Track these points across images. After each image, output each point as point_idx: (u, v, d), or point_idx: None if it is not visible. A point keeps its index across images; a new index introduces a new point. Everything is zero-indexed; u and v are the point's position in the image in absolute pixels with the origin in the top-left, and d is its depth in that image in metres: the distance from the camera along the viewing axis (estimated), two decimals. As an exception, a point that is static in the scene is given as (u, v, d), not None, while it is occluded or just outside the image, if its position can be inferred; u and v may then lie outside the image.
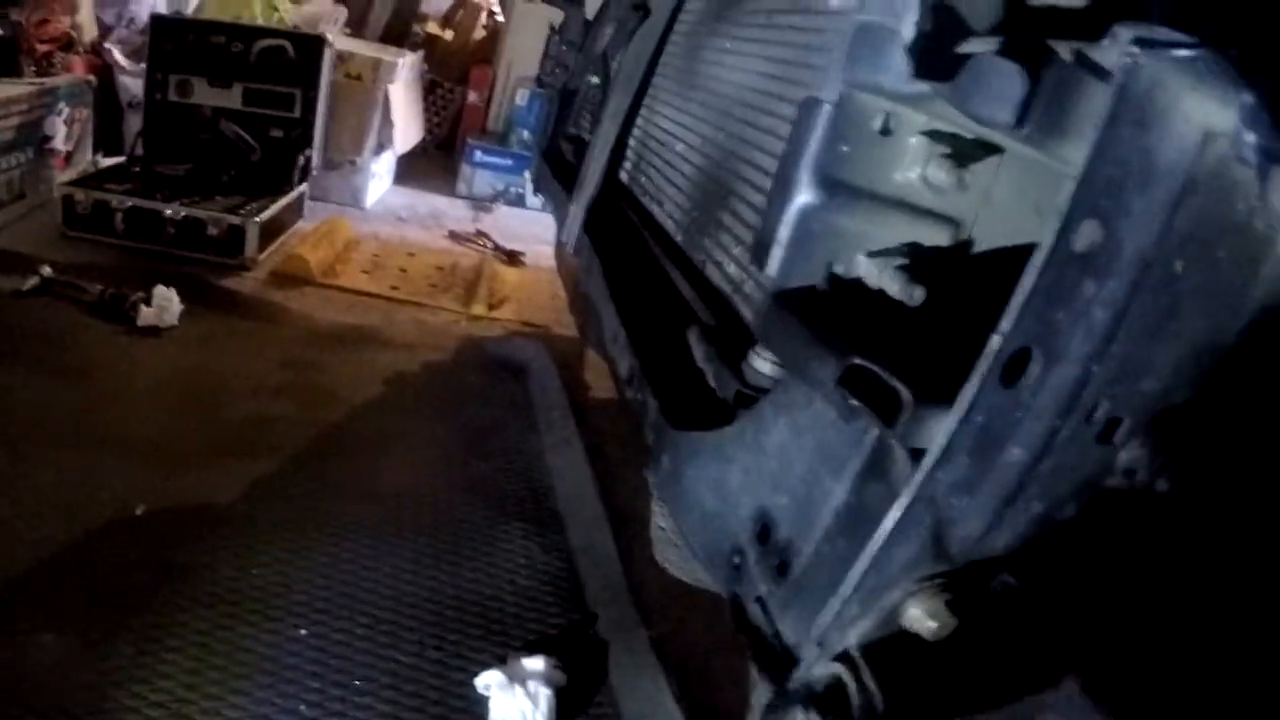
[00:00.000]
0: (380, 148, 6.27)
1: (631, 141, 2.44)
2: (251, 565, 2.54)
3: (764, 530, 1.16)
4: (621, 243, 2.26)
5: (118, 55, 5.90)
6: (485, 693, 2.19)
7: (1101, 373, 0.92)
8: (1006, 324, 0.87)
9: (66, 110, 5.21)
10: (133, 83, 5.77)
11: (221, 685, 2.16)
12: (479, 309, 4.77)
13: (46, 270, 3.99)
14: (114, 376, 3.44)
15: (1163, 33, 0.83)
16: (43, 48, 5.69)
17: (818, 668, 1.02)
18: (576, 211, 2.53)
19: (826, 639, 1.00)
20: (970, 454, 0.92)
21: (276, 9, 6.46)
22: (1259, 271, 0.91)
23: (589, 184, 2.49)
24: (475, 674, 2.23)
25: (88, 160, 5.47)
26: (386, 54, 6.26)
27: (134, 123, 5.66)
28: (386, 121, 6.16)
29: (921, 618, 0.97)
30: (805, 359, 1.15)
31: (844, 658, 0.99)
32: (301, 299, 4.52)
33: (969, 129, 1.14)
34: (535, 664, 2.22)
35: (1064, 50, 0.91)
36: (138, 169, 5.22)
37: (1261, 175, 0.84)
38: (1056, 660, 1.00)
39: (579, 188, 2.57)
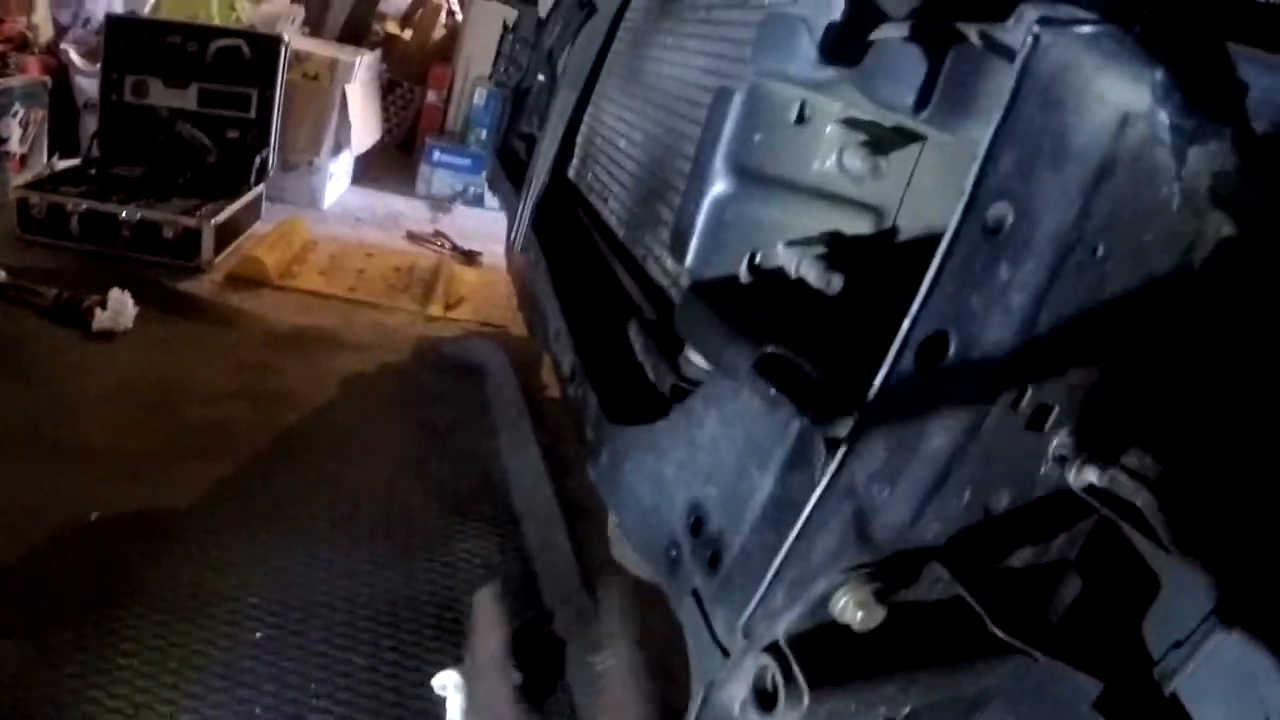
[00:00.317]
0: (338, 148, 6.25)
1: (579, 139, 2.44)
2: (207, 569, 2.53)
3: (697, 522, 1.16)
4: (568, 240, 2.27)
5: (74, 56, 5.86)
6: (442, 693, 2.19)
7: (1025, 358, 0.92)
8: (918, 305, 0.86)
9: (21, 112, 5.18)
10: (89, 84, 5.71)
11: (177, 690, 2.16)
12: (436, 309, 4.77)
13: (1, 275, 3.96)
14: (69, 382, 3.41)
15: (1067, 11, 0.83)
16: (-3, 49, 5.66)
17: (747, 659, 1.03)
18: (524, 209, 2.54)
19: (754, 630, 1.00)
20: (888, 442, 0.92)
21: (234, 8, 6.43)
22: (1189, 254, 0.93)
23: (536, 182, 2.50)
24: (432, 674, 2.23)
25: (43, 162, 5.44)
26: (344, 53, 6.25)
27: (90, 124, 5.61)
28: (344, 122, 6.14)
29: (849, 608, 0.98)
30: (719, 349, 1.15)
31: (772, 649, 1.00)
32: (258, 301, 4.50)
33: (887, 116, 1.15)
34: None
35: (971, 32, 0.92)
36: (93, 171, 5.20)
37: (1177, 155, 0.85)
38: (996, 649, 1.01)
39: (527, 186, 2.58)
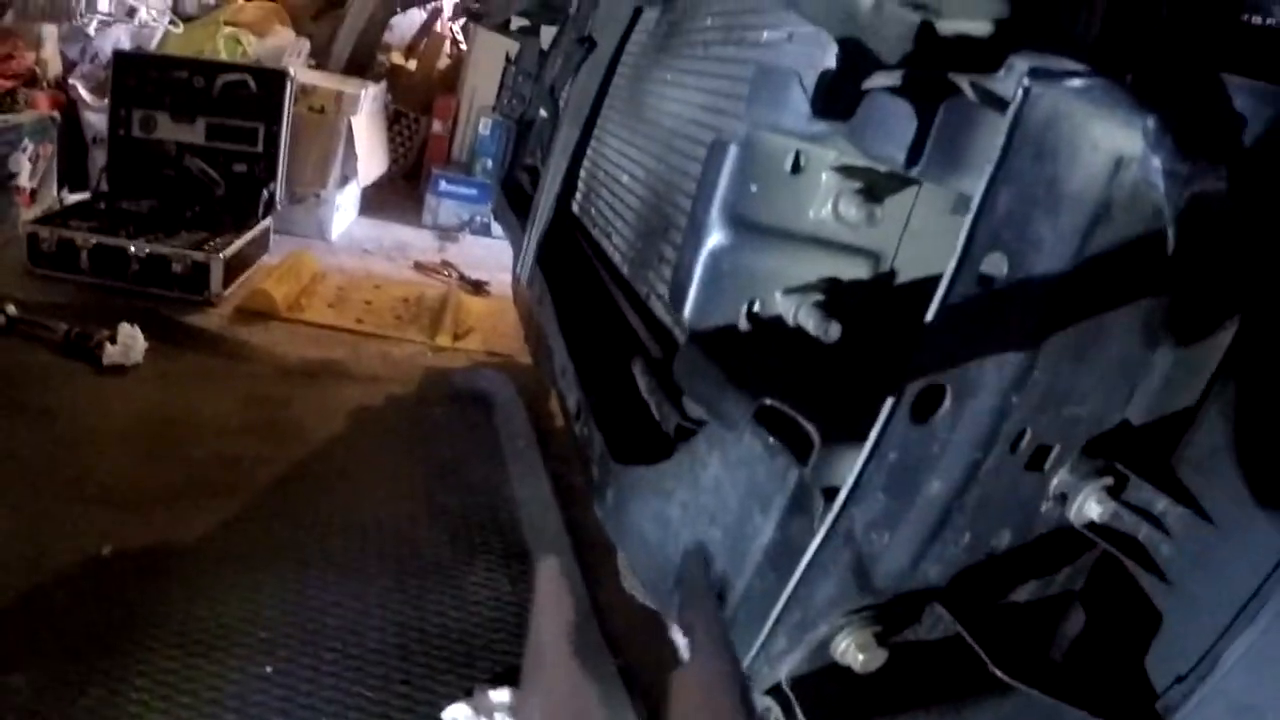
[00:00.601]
0: (345, 180, 6.27)
1: (582, 173, 2.45)
2: (218, 603, 2.54)
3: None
4: (573, 275, 2.28)
5: (82, 91, 5.89)
6: (453, 727, 2.20)
7: (1022, 403, 0.93)
8: (911, 363, 0.87)
9: (31, 146, 5.20)
10: (97, 118, 5.74)
11: (189, 724, 2.17)
12: (444, 340, 4.77)
13: (12, 309, 3.98)
14: (80, 417, 3.42)
15: (1058, 62, 0.85)
16: (6, 84, 5.67)
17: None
18: (529, 244, 2.56)
19: (757, 672, 1.02)
20: (886, 491, 0.92)
21: (240, 43, 6.46)
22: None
23: (541, 216, 2.51)
24: (442, 707, 2.23)
25: (53, 196, 5.46)
26: (349, 86, 6.27)
27: (99, 158, 5.64)
28: (350, 153, 6.16)
29: (850, 651, 0.99)
30: (717, 400, 1.16)
31: (775, 691, 1.01)
32: (267, 334, 4.51)
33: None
34: (502, 696, 2.22)
35: (963, 82, 0.93)
36: (102, 205, 5.22)
37: (1169, 200, 0.86)
38: (998, 687, 1.02)
39: (532, 220, 2.59)
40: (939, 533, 0.98)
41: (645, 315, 1.77)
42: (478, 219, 6.90)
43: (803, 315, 1.17)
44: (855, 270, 1.25)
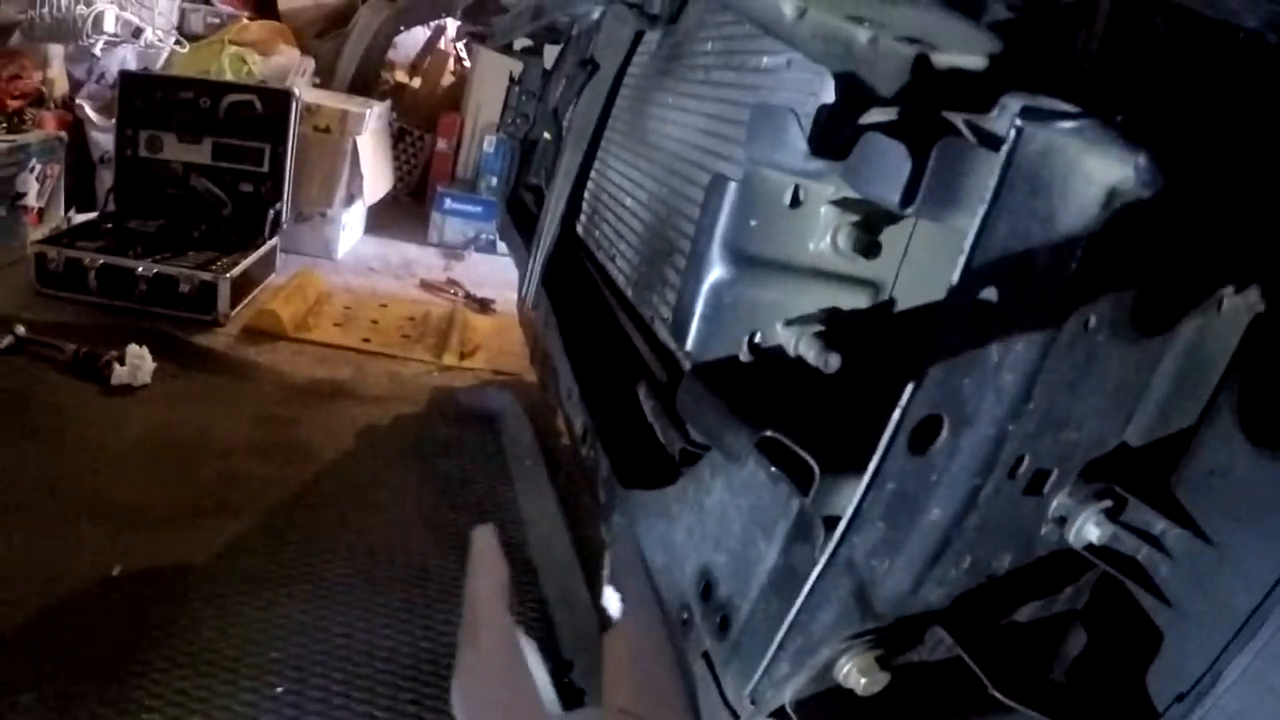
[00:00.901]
0: (350, 199, 6.29)
1: (586, 195, 2.47)
2: (227, 624, 2.55)
3: (707, 587, 1.19)
4: (578, 297, 2.29)
5: (89, 111, 5.92)
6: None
7: (1020, 430, 0.95)
8: (908, 395, 0.88)
9: (38, 166, 5.24)
10: (104, 138, 5.78)
11: (199, 745, 2.19)
12: (451, 359, 4.79)
13: (20, 329, 4.01)
14: (88, 437, 3.44)
15: (1049, 102, 0.86)
16: (14, 103, 5.71)
17: (755, 724, 1.05)
18: (534, 265, 2.57)
19: (760, 696, 1.03)
20: (885, 519, 0.94)
21: (245, 62, 6.49)
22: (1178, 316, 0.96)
23: (546, 238, 2.52)
24: (451, 727, 2.24)
25: (60, 216, 5.50)
26: (354, 105, 6.29)
27: (106, 178, 5.68)
28: (356, 172, 6.18)
29: (853, 674, 1.00)
30: (721, 431, 1.18)
31: (779, 714, 1.03)
32: (274, 354, 4.54)
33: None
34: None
35: (957, 121, 0.95)
36: (110, 225, 5.25)
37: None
38: (1001, 707, 1.03)
39: (537, 242, 2.60)
40: (939, 558, 0.99)
41: (650, 338, 1.78)
42: (483, 236, 6.91)
43: (803, 346, 1.19)
44: (855, 301, 1.26)
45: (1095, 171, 0.87)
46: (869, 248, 1.18)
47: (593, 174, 2.43)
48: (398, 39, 7.97)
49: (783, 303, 1.25)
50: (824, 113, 1.13)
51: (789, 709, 1.02)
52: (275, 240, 5.49)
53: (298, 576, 2.81)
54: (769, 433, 1.05)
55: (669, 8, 2.06)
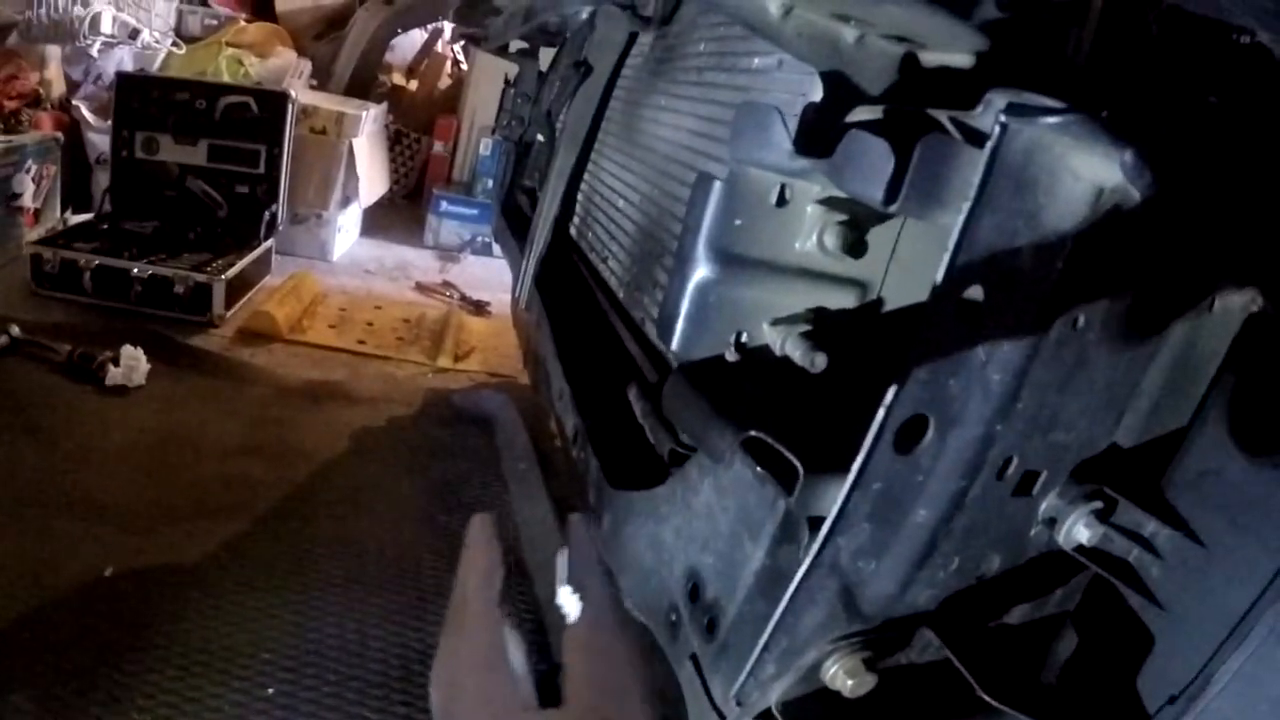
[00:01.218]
0: (346, 201, 6.28)
1: (579, 197, 2.47)
2: (219, 625, 2.55)
3: (694, 589, 1.18)
4: (570, 298, 2.28)
5: (85, 112, 5.92)
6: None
7: (1007, 430, 0.94)
8: (892, 395, 0.88)
9: (35, 167, 5.23)
10: (100, 139, 5.77)
11: (190, 746, 2.18)
12: (446, 361, 4.78)
13: (15, 330, 4.00)
14: (82, 437, 3.43)
15: (1034, 98, 0.86)
16: (10, 104, 5.70)
17: (741, 726, 1.05)
18: (527, 267, 2.57)
19: (746, 698, 1.02)
20: (871, 520, 0.93)
21: (242, 64, 6.48)
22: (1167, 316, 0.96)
23: (539, 240, 2.52)
24: (442, 729, 2.23)
25: (56, 217, 5.49)
26: (350, 107, 6.28)
27: (102, 179, 5.66)
28: (352, 174, 6.18)
29: (839, 676, 1.00)
30: (706, 431, 1.17)
31: (765, 716, 1.02)
32: (269, 356, 4.53)
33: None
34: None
35: (942, 118, 0.94)
36: (105, 226, 5.23)
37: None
38: (989, 710, 1.02)
39: (530, 243, 2.60)
40: (926, 559, 0.99)
41: (641, 340, 1.78)
42: (479, 239, 6.91)
43: (789, 346, 1.18)
44: (842, 300, 1.25)
45: (1082, 169, 0.86)
46: (855, 247, 1.17)
47: (586, 176, 2.43)
48: (395, 41, 7.96)
49: (769, 302, 1.24)
50: (810, 111, 1.13)
51: (775, 711, 1.02)
52: (271, 242, 5.48)
53: (290, 578, 2.80)
54: (753, 432, 1.04)
55: (662, 10, 2.06)
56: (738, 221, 1.22)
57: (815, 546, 0.93)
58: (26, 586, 2.55)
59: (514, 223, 3.19)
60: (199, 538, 2.92)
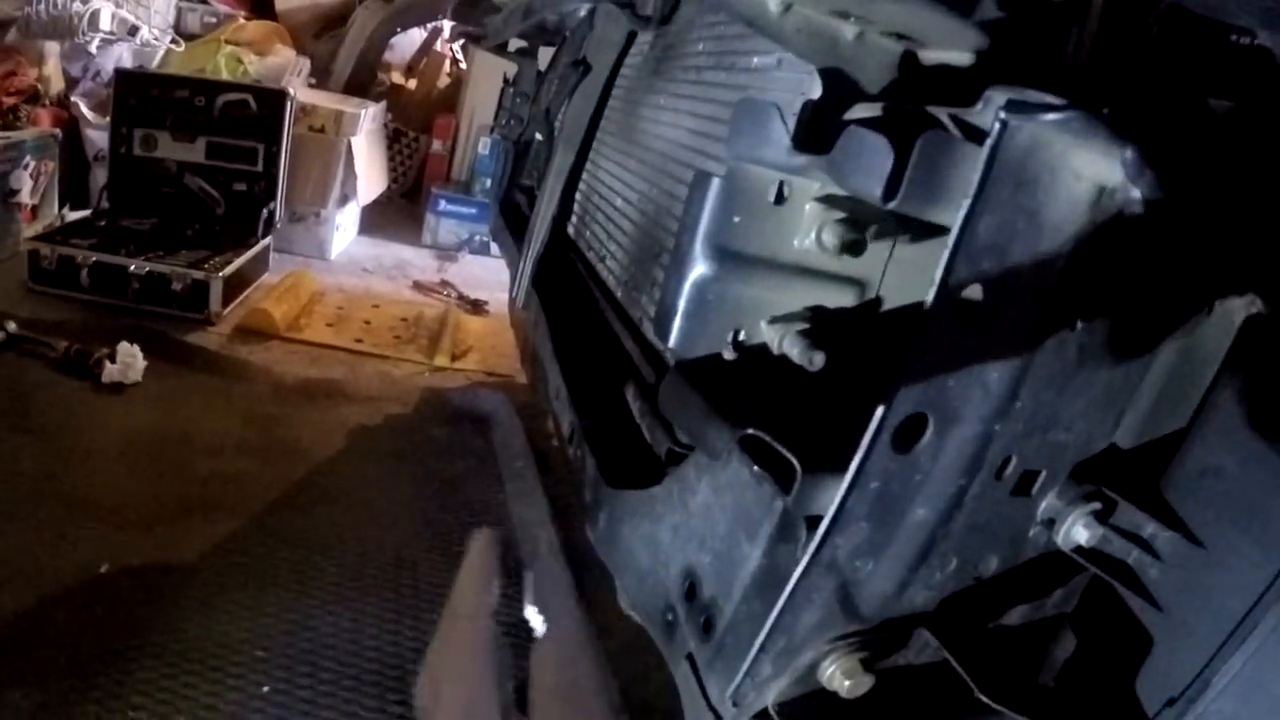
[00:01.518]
0: (344, 199, 6.28)
1: (577, 196, 2.46)
2: (215, 622, 2.54)
3: (691, 588, 1.18)
4: (568, 297, 2.28)
5: (84, 109, 5.91)
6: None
7: (1006, 430, 0.94)
8: (891, 393, 0.87)
9: (33, 163, 5.22)
10: (99, 136, 5.77)
11: (185, 743, 2.18)
12: (443, 360, 4.78)
13: (12, 326, 3.99)
14: (78, 434, 3.43)
15: (1035, 95, 0.85)
16: (9, 100, 5.70)
17: (737, 726, 1.04)
18: (525, 266, 2.56)
19: (742, 698, 1.02)
20: (869, 519, 0.92)
21: (241, 62, 6.48)
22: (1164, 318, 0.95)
23: (536, 239, 2.52)
24: (437, 728, 2.23)
25: (54, 214, 5.48)
26: (349, 105, 6.28)
27: (100, 176, 5.67)
28: (350, 173, 6.17)
29: (836, 677, 0.99)
30: (703, 429, 1.17)
31: (762, 716, 1.01)
32: (266, 353, 4.52)
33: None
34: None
35: (941, 115, 0.94)
36: (103, 223, 5.22)
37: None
38: (987, 712, 1.02)
39: (527, 242, 2.60)
40: (924, 559, 0.98)
41: (638, 338, 1.77)
42: (477, 238, 6.90)
43: (787, 344, 1.17)
44: (840, 299, 1.25)
45: (1083, 167, 0.86)
46: (854, 245, 1.16)
47: (584, 175, 2.43)
48: (394, 40, 7.96)
49: (767, 300, 1.23)
50: (808, 108, 1.12)
51: (772, 711, 1.01)
52: (269, 240, 5.47)
53: (286, 575, 2.80)
54: (751, 430, 1.04)
55: (661, 8, 2.05)
56: (736, 218, 1.21)
57: (813, 546, 0.92)
58: (22, 583, 2.54)
59: (512, 222, 3.19)
60: (195, 535, 2.92)
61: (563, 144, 2.54)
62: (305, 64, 6.98)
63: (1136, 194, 0.86)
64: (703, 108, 1.70)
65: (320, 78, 7.19)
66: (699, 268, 1.22)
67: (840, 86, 1.10)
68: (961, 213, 0.84)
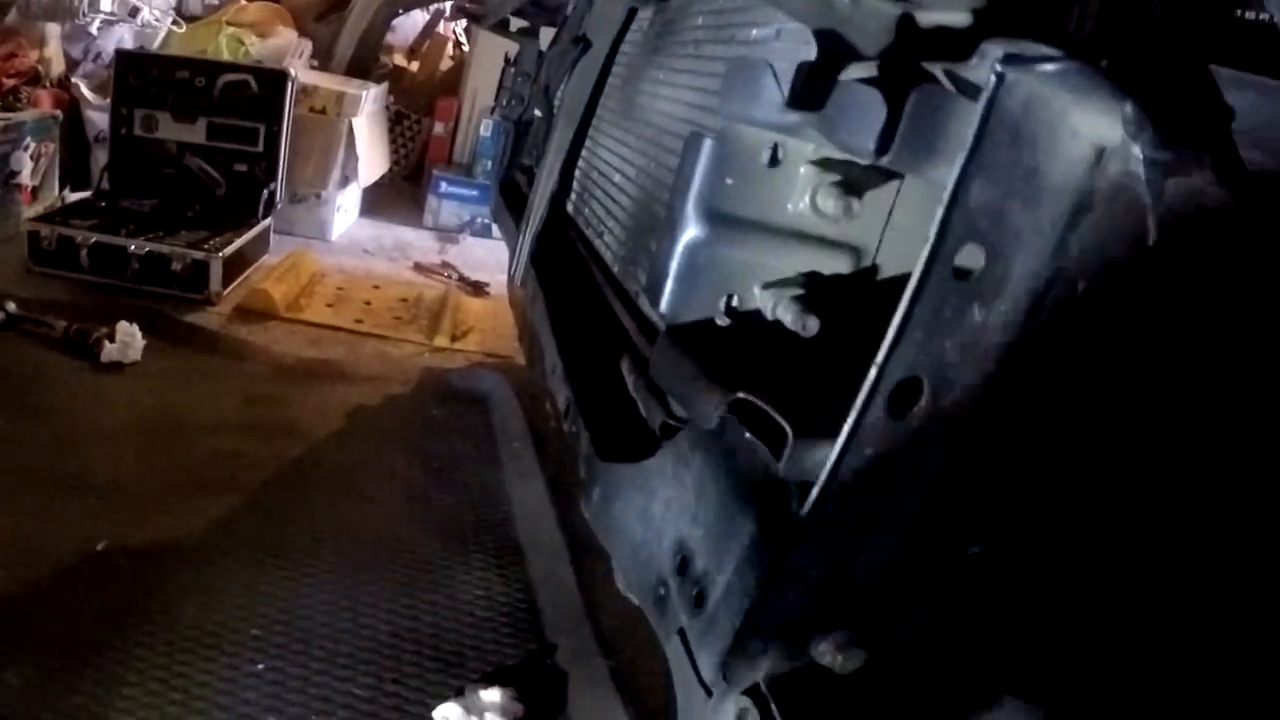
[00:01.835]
0: (345, 180, 6.26)
1: (576, 173, 2.45)
2: (212, 600, 2.54)
3: (683, 561, 1.16)
4: (566, 274, 2.27)
5: (84, 90, 5.91)
6: (444, 726, 2.19)
7: (1005, 399, 0.92)
8: (885, 353, 0.86)
9: (33, 144, 5.22)
10: (99, 117, 5.77)
11: None
12: (443, 341, 4.77)
13: (11, 306, 4.00)
14: (77, 414, 3.43)
15: (1032, 47, 0.83)
16: (9, 82, 5.70)
17: (728, 701, 1.03)
18: (524, 243, 2.55)
19: (734, 672, 1.01)
20: (863, 487, 0.92)
21: (242, 43, 6.46)
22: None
23: (535, 216, 2.50)
24: (433, 707, 2.22)
25: (54, 195, 5.48)
26: (351, 87, 6.26)
27: (100, 157, 5.67)
28: (351, 154, 6.15)
29: (829, 651, 0.98)
30: (693, 395, 1.15)
31: (753, 691, 1.00)
32: (266, 334, 4.52)
33: (862, 155, 1.13)
34: (493, 696, 2.21)
35: (936, 70, 0.92)
36: (103, 204, 5.23)
37: (1153, 190, 0.84)
38: (985, 687, 1.01)
39: (526, 220, 2.59)
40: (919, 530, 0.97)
41: (635, 313, 1.76)
42: (478, 220, 6.88)
43: (781, 309, 1.16)
44: (835, 264, 1.23)
45: (1081, 125, 0.84)
46: (849, 209, 1.15)
47: (584, 151, 2.41)
48: (396, 22, 7.94)
49: (761, 265, 1.22)
50: (804, 69, 1.10)
51: (763, 686, 1.00)
52: (269, 220, 5.46)
53: (282, 555, 2.79)
54: (742, 395, 1.02)
55: (660, -17, 2.04)
56: (729, 181, 1.19)
57: (805, 512, 0.91)
58: (18, 561, 2.54)
59: (512, 201, 3.18)
60: (192, 514, 2.91)
61: (562, 121, 2.52)
62: (307, 46, 6.97)
63: (1137, 152, 0.84)
64: (701, 81, 1.68)
65: (322, 59, 7.17)
66: (691, 230, 1.21)
67: (836, 48, 1.08)
68: (956, 169, 0.82)
